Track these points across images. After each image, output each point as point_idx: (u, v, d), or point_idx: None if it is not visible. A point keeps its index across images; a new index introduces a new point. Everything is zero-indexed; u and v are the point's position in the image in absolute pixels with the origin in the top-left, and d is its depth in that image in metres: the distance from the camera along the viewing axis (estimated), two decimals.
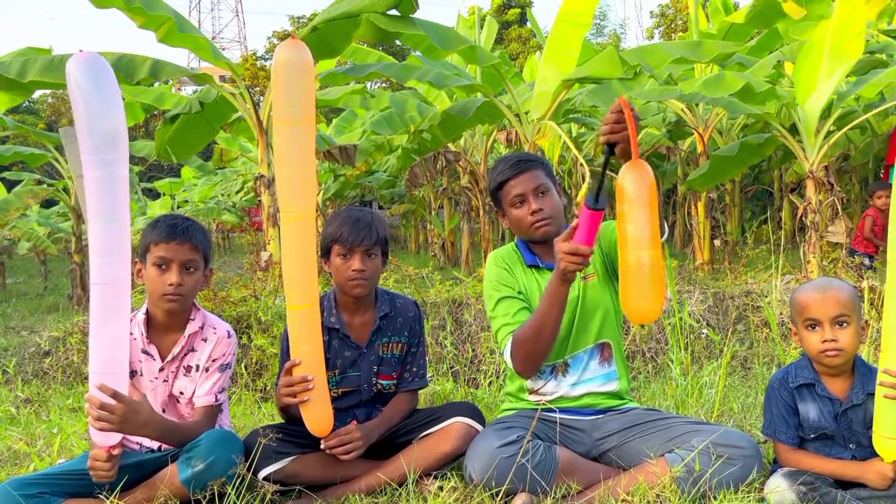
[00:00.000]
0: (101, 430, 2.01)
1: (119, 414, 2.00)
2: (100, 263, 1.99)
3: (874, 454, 2.03)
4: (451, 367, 4.14)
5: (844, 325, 2.07)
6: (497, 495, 2.13)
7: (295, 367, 2.16)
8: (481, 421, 2.40)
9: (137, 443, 2.32)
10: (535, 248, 2.44)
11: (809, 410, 2.16)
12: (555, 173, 2.54)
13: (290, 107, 2.11)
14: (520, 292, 2.38)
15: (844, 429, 2.12)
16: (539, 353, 2.23)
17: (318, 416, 2.19)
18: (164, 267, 2.24)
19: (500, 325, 2.35)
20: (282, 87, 2.11)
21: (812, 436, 2.16)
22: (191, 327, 2.33)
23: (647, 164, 2.02)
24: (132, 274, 2.19)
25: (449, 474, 2.34)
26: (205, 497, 2.09)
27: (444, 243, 10.45)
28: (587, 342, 2.40)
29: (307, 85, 2.13)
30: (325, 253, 2.42)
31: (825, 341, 2.08)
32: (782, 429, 2.18)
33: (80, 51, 2.00)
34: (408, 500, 2.22)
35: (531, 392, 2.43)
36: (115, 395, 2.01)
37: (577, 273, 2.09)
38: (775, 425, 2.20)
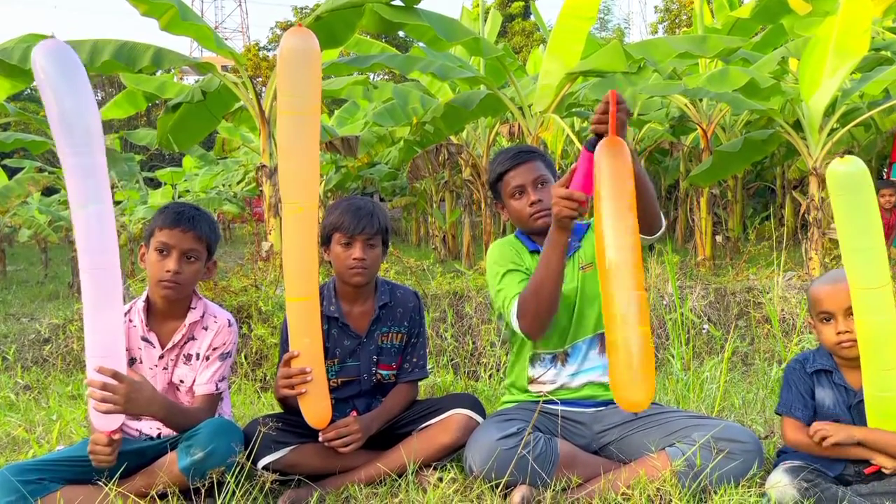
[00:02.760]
0: (107, 412, 2.00)
1: (122, 393, 1.99)
2: (87, 249, 1.98)
3: None
4: (452, 360, 4.14)
5: None
6: (497, 487, 2.13)
7: (293, 358, 2.16)
8: (481, 413, 2.39)
9: (137, 430, 2.31)
10: (536, 239, 2.44)
11: (826, 397, 2.15)
12: (557, 167, 2.53)
13: (295, 97, 2.08)
14: (526, 269, 2.37)
15: (857, 419, 2.10)
16: (544, 307, 2.20)
17: (316, 408, 2.19)
18: (164, 253, 2.24)
19: (505, 294, 2.32)
20: (287, 76, 2.07)
21: None
22: (191, 316, 2.32)
23: (625, 147, 1.93)
24: (134, 262, 2.18)
25: (449, 466, 2.33)
26: (204, 485, 2.08)
27: (445, 236, 10.44)
28: (586, 332, 2.39)
29: (313, 75, 2.09)
30: (326, 241, 2.41)
31: (839, 333, 2.08)
32: (799, 406, 2.16)
33: (49, 37, 1.97)
34: (407, 491, 2.22)
35: (532, 381, 2.43)
36: (114, 375, 2.00)
37: (572, 220, 2.06)
38: (792, 402, 2.18)
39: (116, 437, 2.05)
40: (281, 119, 2.11)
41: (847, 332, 2.06)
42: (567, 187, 2.04)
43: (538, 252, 2.40)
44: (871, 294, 1.96)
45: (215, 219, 2.39)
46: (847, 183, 2.00)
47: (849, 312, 2.05)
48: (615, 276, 1.89)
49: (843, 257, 2.02)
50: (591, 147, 2.01)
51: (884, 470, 2.02)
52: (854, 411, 2.11)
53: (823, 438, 2.03)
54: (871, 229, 1.97)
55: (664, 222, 2.27)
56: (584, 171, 2.03)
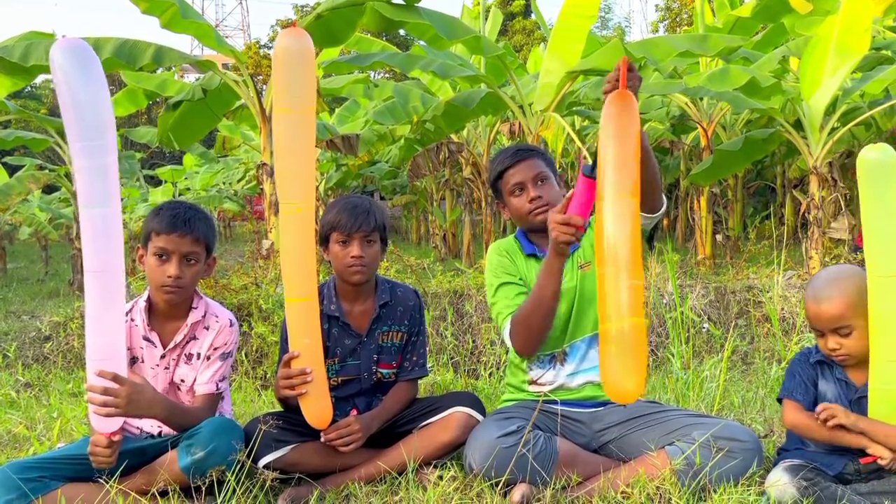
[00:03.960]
0: (109, 415, 2.00)
1: (124, 396, 1.99)
2: (92, 251, 1.98)
3: None
4: (452, 358, 4.14)
5: (846, 334, 2.08)
6: (497, 485, 2.13)
7: (294, 359, 2.16)
8: (482, 411, 2.39)
9: (138, 428, 2.32)
10: (534, 238, 2.44)
11: (827, 390, 2.17)
12: (557, 166, 2.53)
13: (290, 96, 2.08)
14: (521, 279, 2.38)
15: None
16: (537, 329, 2.21)
17: (316, 408, 2.19)
18: (164, 258, 2.23)
19: (500, 309, 2.34)
20: (282, 76, 2.08)
21: None
22: (193, 316, 2.32)
23: (634, 102, 1.85)
24: (135, 260, 2.18)
25: (449, 464, 2.34)
26: (204, 483, 2.09)
27: (445, 235, 10.44)
28: (585, 331, 2.39)
29: (307, 74, 2.10)
30: (324, 241, 2.42)
31: (831, 350, 2.11)
32: (801, 390, 2.18)
33: (63, 36, 1.97)
34: (407, 489, 2.22)
35: (531, 383, 2.43)
36: (115, 378, 2.00)
37: (570, 246, 2.06)
38: (794, 388, 2.19)
39: (116, 438, 2.05)
40: (276, 119, 2.11)
41: (836, 348, 2.10)
42: (565, 213, 2.04)
43: (534, 256, 2.41)
44: (890, 282, 1.96)
45: (211, 215, 2.38)
46: (877, 170, 2.01)
47: (836, 332, 2.08)
48: (612, 263, 1.87)
49: (865, 244, 2.02)
50: (587, 172, 2.00)
51: (880, 461, 2.02)
52: (854, 406, 2.11)
53: (828, 419, 2.04)
54: None
55: (664, 202, 2.26)
56: (581, 196, 2.02)
